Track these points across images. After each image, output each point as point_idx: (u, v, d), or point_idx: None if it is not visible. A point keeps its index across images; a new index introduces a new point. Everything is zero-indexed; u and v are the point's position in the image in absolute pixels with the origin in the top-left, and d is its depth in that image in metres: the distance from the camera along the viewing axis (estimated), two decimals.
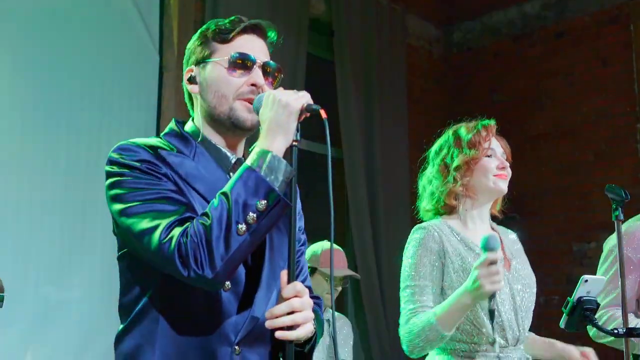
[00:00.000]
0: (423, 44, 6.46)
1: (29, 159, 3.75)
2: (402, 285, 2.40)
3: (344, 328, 3.97)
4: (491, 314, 2.19)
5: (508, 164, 2.50)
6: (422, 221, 2.52)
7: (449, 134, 2.56)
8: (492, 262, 2.13)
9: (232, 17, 1.78)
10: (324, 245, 3.82)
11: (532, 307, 2.46)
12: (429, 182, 2.54)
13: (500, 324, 2.33)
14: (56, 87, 3.88)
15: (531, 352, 2.49)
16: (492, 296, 2.16)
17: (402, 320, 2.35)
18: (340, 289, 3.89)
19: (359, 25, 5.61)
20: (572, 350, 2.44)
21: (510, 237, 2.62)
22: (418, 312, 2.30)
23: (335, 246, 3.84)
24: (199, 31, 1.81)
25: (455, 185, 2.45)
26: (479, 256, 2.32)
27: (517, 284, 2.42)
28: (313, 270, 3.76)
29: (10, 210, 3.67)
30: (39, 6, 3.86)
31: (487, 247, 2.15)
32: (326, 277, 3.72)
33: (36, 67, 3.83)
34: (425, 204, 2.55)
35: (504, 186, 2.47)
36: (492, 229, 2.57)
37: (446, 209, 2.49)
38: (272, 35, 1.81)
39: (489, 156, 2.47)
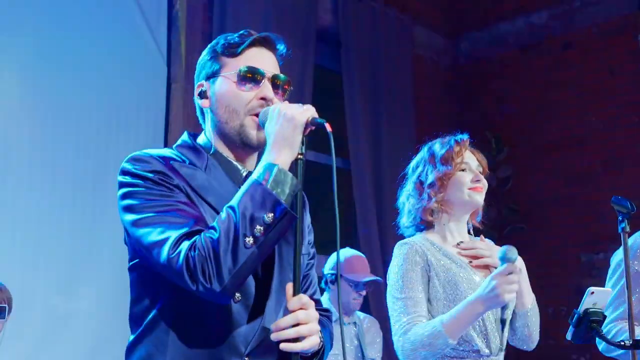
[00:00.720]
0: (430, 55, 6.47)
1: (38, 169, 3.78)
2: (392, 298, 2.40)
3: (372, 328, 4.16)
4: (502, 323, 2.29)
5: (483, 177, 2.51)
6: (403, 237, 2.55)
7: (424, 150, 2.61)
8: (510, 273, 2.18)
9: (241, 31, 1.78)
10: (346, 252, 4.04)
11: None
12: (406, 199, 2.57)
13: (485, 333, 2.35)
14: (65, 98, 3.91)
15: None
16: (504, 306, 2.23)
17: (397, 332, 2.34)
18: (364, 292, 4.05)
19: (367, 36, 5.63)
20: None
21: None
22: (415, 323, 2.31)
23: (358, 253, 4.15)
24: (209, 46, 1.81)
25: (429, 202, 2.48)
26: (462, 267, 2.36)
27: None
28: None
29: (19, 221, 3.69)
30: (47, 18, 3.90)
31: (505, 257, 2.20)
32: (350, 282, 3.93)
33: (45, 78, 3.86)
34: (404, 221, 2.58)
35: (479, 198, 2.49)
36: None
37: (424, 225, 2.52)
38: (281, 47, 1.81)
39: (463, 170, 2.49)
